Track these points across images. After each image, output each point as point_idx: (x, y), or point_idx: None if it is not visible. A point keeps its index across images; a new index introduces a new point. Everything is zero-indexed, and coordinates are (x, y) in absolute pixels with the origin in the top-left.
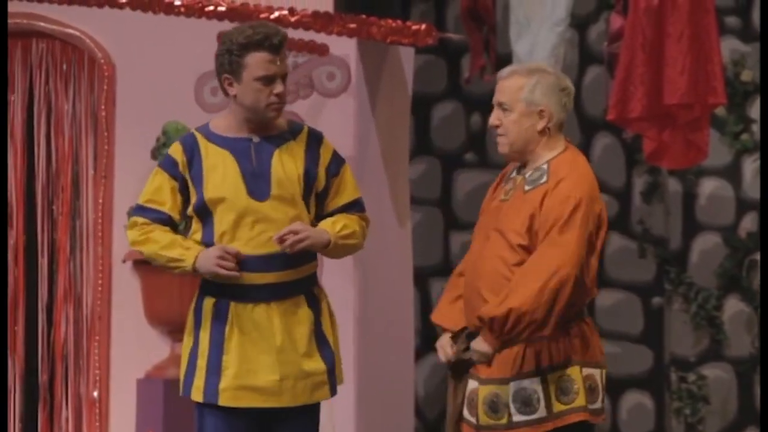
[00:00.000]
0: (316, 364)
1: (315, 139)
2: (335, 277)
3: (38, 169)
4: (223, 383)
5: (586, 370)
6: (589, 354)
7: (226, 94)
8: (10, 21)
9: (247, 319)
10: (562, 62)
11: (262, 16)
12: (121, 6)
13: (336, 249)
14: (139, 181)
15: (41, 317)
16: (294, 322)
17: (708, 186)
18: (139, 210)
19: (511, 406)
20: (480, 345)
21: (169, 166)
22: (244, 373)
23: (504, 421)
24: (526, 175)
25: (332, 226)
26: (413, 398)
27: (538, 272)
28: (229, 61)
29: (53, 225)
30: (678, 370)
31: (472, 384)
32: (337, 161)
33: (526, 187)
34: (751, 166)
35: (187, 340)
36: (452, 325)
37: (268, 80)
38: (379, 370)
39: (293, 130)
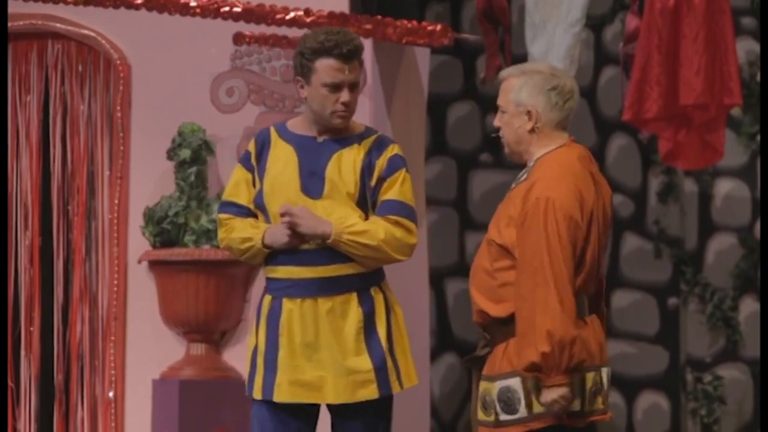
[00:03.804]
0: (361, 363)
1: (377, 147)
2: None
3: (54, 170)
4: (278, 379)
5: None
6: None
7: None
8: (25, 22)
9: (296, 315)
10: (578, 63)
11: (278, 17)
12: (136, 7)
13: (342, 244)
14: (154, 181)
15: (57, 318)
16: (340, 318)
17: (724, 186)
18: (221, 206)
19: (497, 405)
20: (547, 394)
21: (245, 160)
22: (294, 369)
23: (492, 418)
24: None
25: (343, 220)
26: (429, 398)
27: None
28: (300, 64)
29: (69, 226)
30: (694, 370)
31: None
32: (391, 167)
33: (512, 185)
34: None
35: (250, 340)
36: None
37: (334, 87)
38: None
39: (362, 135)
